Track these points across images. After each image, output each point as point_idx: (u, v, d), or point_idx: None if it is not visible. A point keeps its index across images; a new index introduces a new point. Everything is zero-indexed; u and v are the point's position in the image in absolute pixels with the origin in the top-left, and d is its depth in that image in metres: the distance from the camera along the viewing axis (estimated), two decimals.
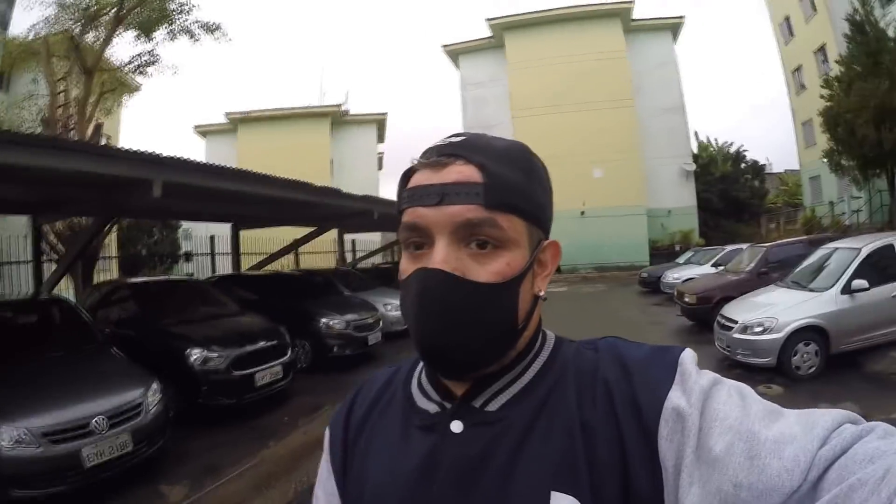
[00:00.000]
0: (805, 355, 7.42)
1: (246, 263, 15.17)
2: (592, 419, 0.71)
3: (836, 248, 8.68)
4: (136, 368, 6.21)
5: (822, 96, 19.41)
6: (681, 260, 20.65)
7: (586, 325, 13.02)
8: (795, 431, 0.58)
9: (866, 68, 17.19)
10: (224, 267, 15.56)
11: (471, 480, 0.73)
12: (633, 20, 35.76)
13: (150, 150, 7.21)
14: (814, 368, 7.37)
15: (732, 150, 39.46)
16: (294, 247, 14.02)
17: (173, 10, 15.28)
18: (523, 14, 36.61)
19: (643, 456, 0.65)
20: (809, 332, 7.45)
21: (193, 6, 15.48)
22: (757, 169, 40.30)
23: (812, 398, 6.53)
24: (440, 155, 0.75)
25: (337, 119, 42.05)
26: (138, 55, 15.79)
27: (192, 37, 15.74)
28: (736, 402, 0.64)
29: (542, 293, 0.80)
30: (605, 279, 27.92)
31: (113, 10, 14.40)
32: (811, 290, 8.06)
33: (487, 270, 0.72)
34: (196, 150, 51.45)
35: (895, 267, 7.75)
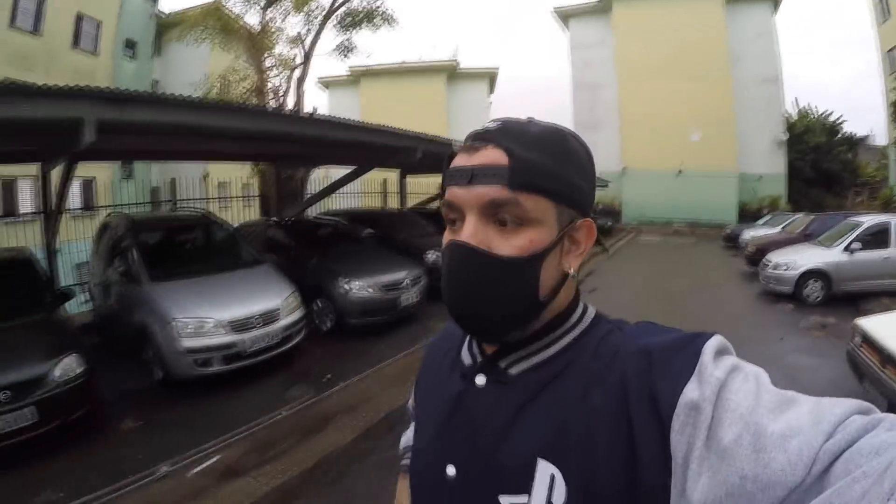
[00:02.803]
0: (813, 289, 11.25)
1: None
2: (599, 402, 0.74)
3: (853, 221, 12.30)
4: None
5: (893, 89, 21.86)
6: (760, 222, 23.11)
7: (670, 266, 17.25)
8: (803, 424, 0.58)
9: None
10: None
11: (478, 428, 0.85)
12: None
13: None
14: (819, 298, 11.13)
15: (832, 119, 39.26)
16: (332, 189, 12.68)
17: (377, 8, 17.15)
18: None
19: (656, 448, 0.67)
20: (817, 274, 11.27)
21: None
22: (852, 142, 39.96)
23: (811, 313, 10.26)
24: (475, 140, 0.82)
25: (452, 73, 43.28)
26: (341, 44, 17.80)
27: (377, 28, 17.52)
28: (750, 389, 0.64)
29: (572, 270, 0.86)
30: (696, 234, 30.19)
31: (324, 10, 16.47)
32: (826, 247, 11.81)
33: (511, 245, 0.79)
34: (319, 102, 53.77)
35: (889, 239, 11.21)
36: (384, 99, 41.27)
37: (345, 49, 17.78)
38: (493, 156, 0.79)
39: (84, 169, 13.72)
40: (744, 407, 0.62)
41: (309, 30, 16.63)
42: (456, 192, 0.82)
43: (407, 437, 1.23)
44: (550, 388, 0.80)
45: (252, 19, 17.04)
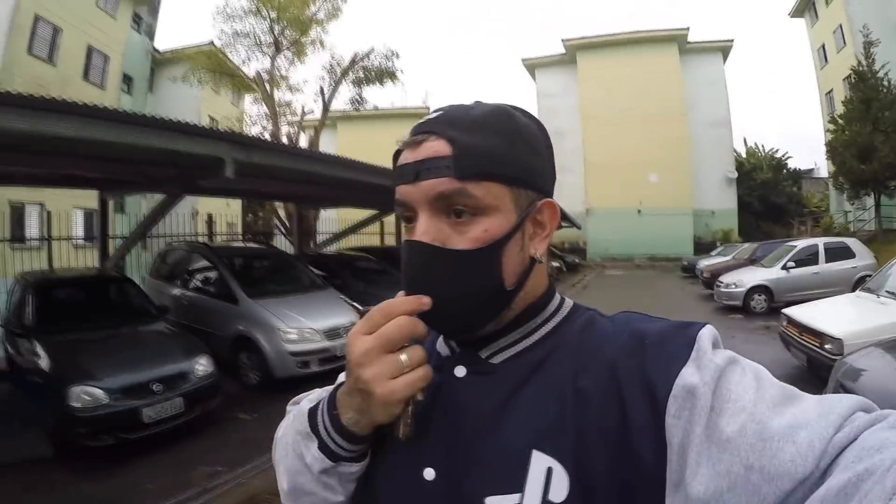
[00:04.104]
0: (758, 301, 13.59)
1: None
2: (589, 388, 0.70)
3: (788, 245, 14.85)
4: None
5: (827, 130, 24.91)
6: (714, 253, 25.52)
7: (637, 292, 19.51)
8: (810, 416, 0.57)
9: (860, 112, 22.43)
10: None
11: (462, 421, 0.76)
12: (688, 43, 39.38)
13: (223, 129, 7.69)
14: (763, 308, 13.44)
15: (778, 155, 43.12)
16: (357, 228, 14.17)
17: (389, 67, 18.37)
18: (593, 36, 40.74)
19: (649, 432, 0.64)
20: (761, 289, 13.65)
21: (397, 55, 18.39)
22: (797, 176, 43.80)
23: (757, 319, 12.52)
24: (416, 133, 0.77)
25: (421, 117, 43.78)
26: (353, 98, 18.97)
27: (383, 85, 18.95)
28: (750, 382, 0.63)
29: (538, 255, 0.81)
30: (656, 267, 32.75)
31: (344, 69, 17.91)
32: (768, 268, 14.25)
33: (466, 238, 0.74)
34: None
35: (816, 257, 13.69)
36: (356, 143, 41.64)
37: (356, 102, 19.03)
38: (436, 147, 0.74)
39: (87, 200, 15.38)
40: (745, 399, 0.61)
41: (328, 83, 18.20)
42: (405, 190, 0.77)
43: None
44: (538, 374, 0.76)
45: (256, 65, 18.43)
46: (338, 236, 14.48)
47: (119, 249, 10.12)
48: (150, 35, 30.74)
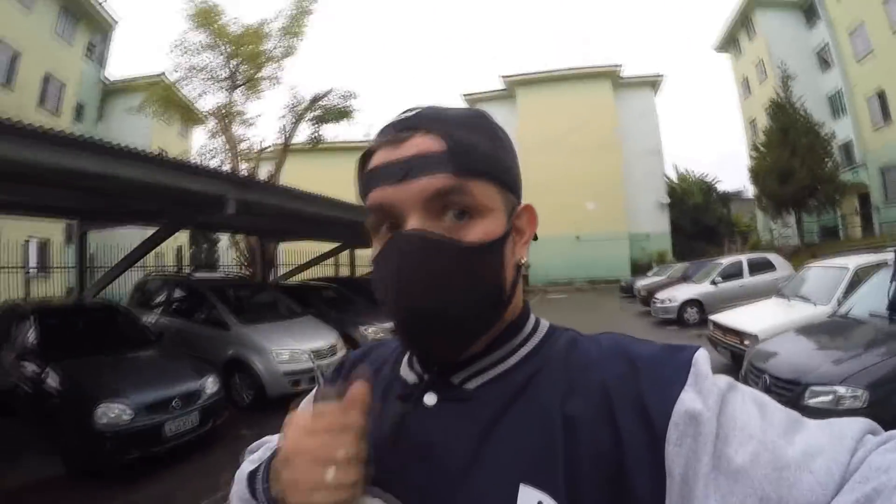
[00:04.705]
0: (691, 313, 14.84)
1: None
2: (578, 415, 0.64)
3: (716, 262, 16.35)
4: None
5: (750, 156, 26.92)
6: (650, 273, 27.21)
7: (580, 314, 20.69)
8: (822, 442, 0.56)
9: (778, 139, 24.34)
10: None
11: (436, 456, 0.68)
12: (621, 78, 41.66)
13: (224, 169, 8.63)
14: (696, 320, 14.61)
15: (708, 180, 45.44)
16: (320, 259, 15.06)
17: (347, 106, 18.88)
18: (532, 73, 42.65)
19: (646, 461, 0.59)
20: (693, 302, 14.93)
21: (354, 95, 18.88)
22: (726, 199, 46.04)
23: (690, 329, 13.66)
24: (398, 131, 0.70)
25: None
26: (312, 136, 19.27)
27: (338, 122, 19.23)
28: (753, 409, 0.61)
29: (523, 259, 0.76)
30: (595, 289, 34.24)
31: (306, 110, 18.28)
32: (698, 283, 15.60)
33: (466, 239, 0.67)
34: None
35: (740, 271, 15.06)
36: (299, 176, 42.11)
37: (314, 140, 19.46)
38: (426, 143, 0.68)
39: (41, 230, 15.67)
40: (752, 426, 0.58)
41: (289, 120, 18.57)
42: (388, 193, 0.68)
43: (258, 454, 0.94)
44: (520, 400, 0.69)
45: (212, 99, 18.52)
46: (301, 267, 15.17)
47: (103, 278, 10.35)
48: (102, 63, 30.97)
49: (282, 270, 17.69)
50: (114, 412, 5.68)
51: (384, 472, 0.69)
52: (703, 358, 0.65)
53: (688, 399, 0.60)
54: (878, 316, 5.86)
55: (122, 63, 62.17)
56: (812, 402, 4.67)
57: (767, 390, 5.03)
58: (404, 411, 0.74)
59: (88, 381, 6.12)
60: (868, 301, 6.28)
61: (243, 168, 17.48)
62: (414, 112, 0.73)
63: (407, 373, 0.80)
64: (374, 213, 0.72)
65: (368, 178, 0.72)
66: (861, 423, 0.59)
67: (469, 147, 0.69)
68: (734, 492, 0.54)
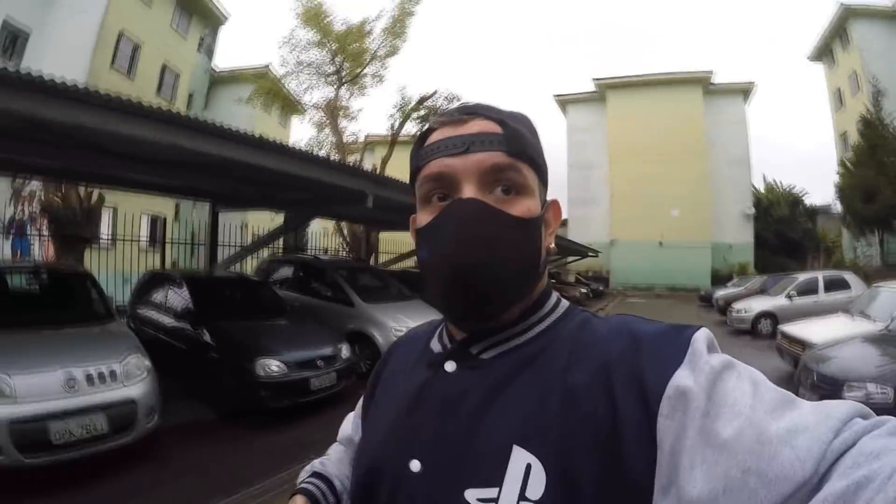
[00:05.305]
0: (764, 325, 15.60)
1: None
2: (579, 385, 0.70)
3: (792, 277, 17.02)
4: None
5: (837, 173, 26.86)
6: (729, 284, 27.51)
7: (657, 318, 21.47)
8: (809, 421, 0.57)
9: (866, 157, 24.20)
10: None
11: (448, 416, 0.77)
12: (712, 84, 41.20)
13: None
14: (768, 331, 15.25)
15: (795, 191, 43.83)
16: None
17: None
18: (623, 76, 43.29)
19: (640, 433, 0.63)
20: (767, 314, 15.69)
21: (458, 98, 19.15)
22: (812, 213, 43.82)
23: (761, 340, 14.36)
24: (461, 113, 0.80)
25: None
26: (416, 133, 17.59)
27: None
28: (746, 387, 0.62)
29: (551, 246, 0.85)
30: (675, 297, 34.42)
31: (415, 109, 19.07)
32: (773, 296, 16.37)
33: (513, 211, 0.77)
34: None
35: (815, 288, 15.68)
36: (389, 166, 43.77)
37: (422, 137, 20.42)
38: (485, 125, 0.78)
39: (153, 206, 17.30)
40: (742, 403, 0.60)
41: (397, 118, 19.52)
42: (449, 163, 0.77)
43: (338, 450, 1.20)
44: (527, 370, 0.76)
45: (318, 94, 19.83)
46: (404, 255, 16.79)
47: (237, 254, 11.43)
48: (210, 54, 32.55)
49: (381, 258, 18.52)
50: (271, 367, 6.65)
51: (412, 425, 0.81)
52: (701, 337, 0.68)
53: (681, 376, 0.63)
54: None
55: (226, 54, 64.55)
56: (847, 395, 5.63)
57: (814, 386, 6.14)
58: (427, 376, 0.85)
59: (245, 340, 7.11)
60: None
61: (351, 160, 18.01)
62: (472, 103, 0.84)
63: (435, 344, 0.92)
64: (430, 181, 0.80)
65: (428, 150, 0.81)
66: (850, 405, 0.59)
67: (519, 135, 0.79)
68: (719, 462, 0.56)
